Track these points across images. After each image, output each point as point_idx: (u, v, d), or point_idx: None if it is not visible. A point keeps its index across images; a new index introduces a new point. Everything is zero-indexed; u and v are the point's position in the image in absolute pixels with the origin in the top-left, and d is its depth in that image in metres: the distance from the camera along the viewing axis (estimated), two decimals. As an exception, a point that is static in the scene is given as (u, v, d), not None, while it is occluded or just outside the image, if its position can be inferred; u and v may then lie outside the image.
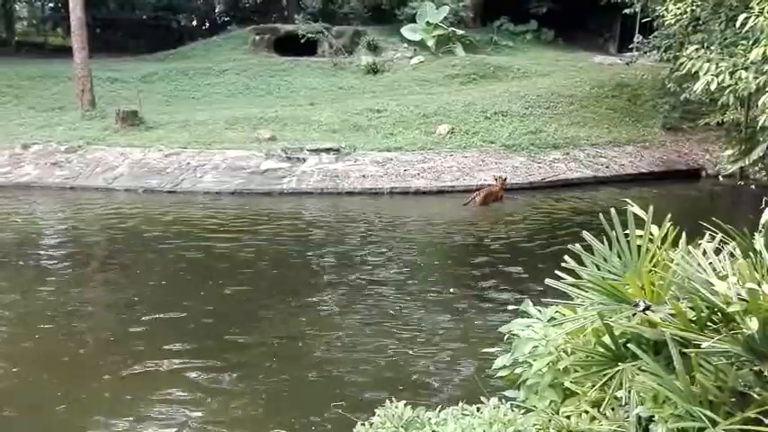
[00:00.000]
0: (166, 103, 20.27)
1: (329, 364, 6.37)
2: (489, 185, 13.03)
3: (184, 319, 7.38)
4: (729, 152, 11.59)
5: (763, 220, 2.19)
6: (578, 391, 2.15)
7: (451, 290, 8.44)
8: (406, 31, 23.76)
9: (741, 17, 8.49)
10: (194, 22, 34.23)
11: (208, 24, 34.12)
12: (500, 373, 2.73)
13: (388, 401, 2.96)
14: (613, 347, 1.89)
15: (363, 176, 14.30)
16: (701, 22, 12.37)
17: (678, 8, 11.76)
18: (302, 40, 23.90)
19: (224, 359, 6.41)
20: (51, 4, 32.49)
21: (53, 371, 6.23)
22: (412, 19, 24.07)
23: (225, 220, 11.79)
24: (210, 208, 12.67)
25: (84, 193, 13.89)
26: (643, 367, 1.77)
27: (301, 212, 12.63)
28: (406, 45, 23.86)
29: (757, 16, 8.20)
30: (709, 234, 2.05)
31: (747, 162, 11.01)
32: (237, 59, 23.99)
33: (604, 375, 1.90)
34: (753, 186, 11.50)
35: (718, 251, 1.93)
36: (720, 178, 14.54)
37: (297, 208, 12.94)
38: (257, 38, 25.42)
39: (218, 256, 9.74)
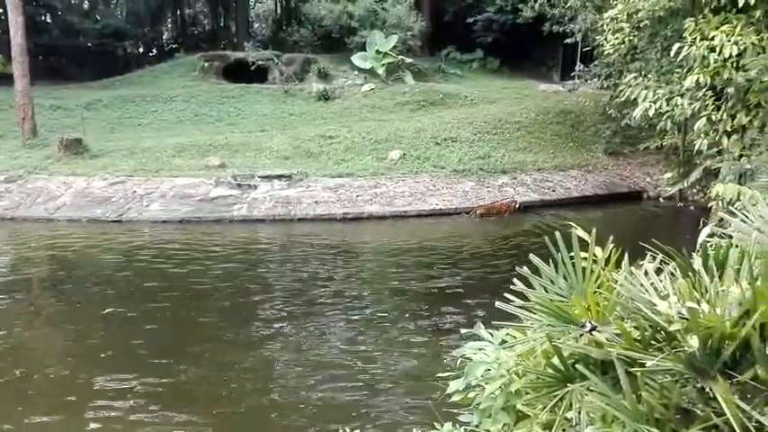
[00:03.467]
0: (112, 131, 19.82)
1: (281, 394, 6.25)
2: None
3: (131, 354, 7.12)
4: (669, 175, 12.05)
5: (700, 240, 2.27)
6: (530, 414, 2.16)
7: (406, 315, 8.43)
8: (357, 59, 24.02)
9: (675, 46, 8.92)
10: (141, 49, 33.73)
11: (155, 51, 33.68)
12: (454, 398, 2.72)
13: (341, 430, 2.91)
14: (562, 368, 1.91)
15: (316, 202, 14.25)
16: (638, 51, 12.91)
17: (616, 38, 12.26)
18: (252, 68, 23.85)
19: (176, 393, 6.21)
20: (-10, 30, 31.52)
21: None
22: (362, 47, 24.36)
23: (171, 249, 11.51)
24: (157, 237, 12.36)
25: (24, 224, 13.37)
26: (591, 387, 1.79)
27: (252, 240, 12.45)
28: (356, 73, 24.09)
29: (690, 45, 8.62)
30: (651, 255, 2.11)
31: (686, 184, 11.46)
32: (186, 86, 23.73)
33: (555, 396, 1.91)
34: (692, 207, 11.95)
35: (659, 271, 1.98)
36: (661, 200, 15.09)
37: (248, 235, 12.75)
38: (206, 65, 25.23)
39: (163, 287, 9.48)
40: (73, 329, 8.03)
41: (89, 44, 30.08)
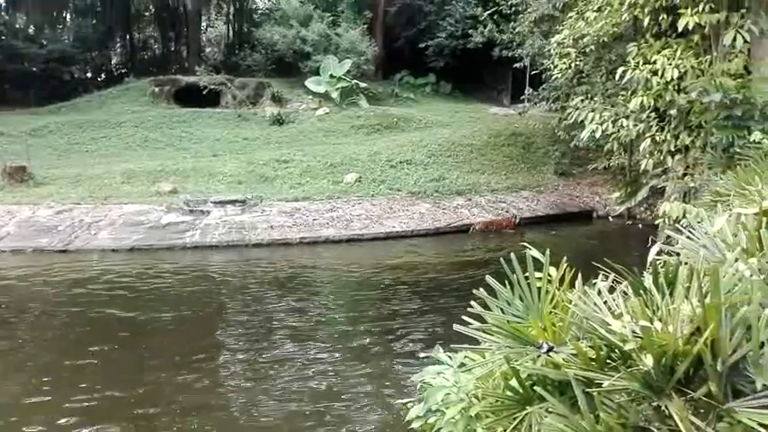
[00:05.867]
0: (58, 158, 19.24)
1: (237, 427, 6.08)
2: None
3: (72, 391, 6.81)
4: (617, 194, 12.41)
5: (650, 258, 2.32)
6: (490, 437, 2.14)
7: (367, 340, 8.35)
8: (311, 83, 24.09)
9: (620, 70, 9.25)
10: (89, 74, 32.99)
11: (104, 76, 32.99)
12: (414, 425, 2.68)
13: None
14: (521, 390, 1.90)
15: (271, 227, 14.08)
16: (584, 75, 13.34)
17: (563, 62, 12.64)
18: (204, 92, 23.63)
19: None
20: (-71, 56, 30.35)
21: None
22: (316, 72, 24.45)
23: (118, 279, 11.11)
24: (104, 267, 11.93)
25: (-37, 256, 12.75)
26: (550, 409, 1.78)
27: (205, 267, 12.16)
28: (310, 97, 24.14)
29: (633, 69, 8.95)
30: (603, 273, 2.13)
31: (633, 203, 11.82)
32: (135, 111, 23.28)
33: (514, 419, 1.90)
34: (640, 225, 12.32)
35: (612, 290, 2.01)
36: (610, 219, 15.53)
37: (200, 263, 12.45)
38: (157, 90, 24.87)
39: (108, 320, 9.10)
40: (7, 366, 7.67)
41: (34, 69, 29.27)
